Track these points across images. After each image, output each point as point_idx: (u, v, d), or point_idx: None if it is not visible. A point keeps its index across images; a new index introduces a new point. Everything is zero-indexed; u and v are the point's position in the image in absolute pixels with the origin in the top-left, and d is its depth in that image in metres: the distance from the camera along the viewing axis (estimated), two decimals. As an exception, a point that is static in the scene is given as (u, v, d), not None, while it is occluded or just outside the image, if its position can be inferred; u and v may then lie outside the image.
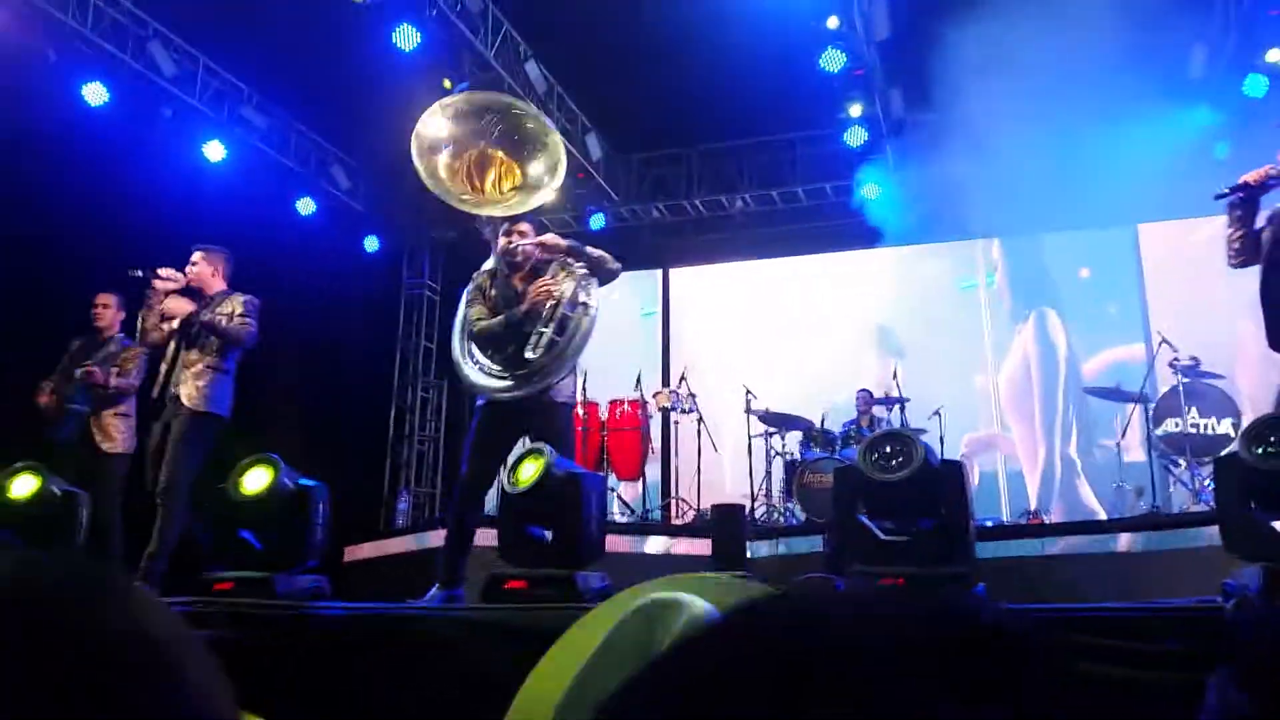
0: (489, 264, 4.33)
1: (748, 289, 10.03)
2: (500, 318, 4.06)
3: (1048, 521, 7.26)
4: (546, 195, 4.34)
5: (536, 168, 4.30)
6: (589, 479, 3.87)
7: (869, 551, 3.66)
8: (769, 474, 8.02)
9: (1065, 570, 6.00)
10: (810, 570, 4.54)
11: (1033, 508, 7.94)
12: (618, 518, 7.57)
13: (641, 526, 7.26)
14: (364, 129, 9.41)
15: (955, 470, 3.62)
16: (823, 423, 8.04)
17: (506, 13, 8.23)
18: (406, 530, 8.04)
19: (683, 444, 8.57)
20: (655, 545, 6.12)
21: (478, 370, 4.12)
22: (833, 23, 7.17)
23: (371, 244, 10.44)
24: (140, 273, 4.97)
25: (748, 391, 8.15)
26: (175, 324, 5.01)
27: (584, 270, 4.07)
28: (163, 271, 5.00)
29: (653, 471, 8.85)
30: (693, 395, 8.16)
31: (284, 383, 9.38)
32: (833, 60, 7.57)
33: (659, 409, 8.32)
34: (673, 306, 10.26)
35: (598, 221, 9.78)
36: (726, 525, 3.73)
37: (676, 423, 8.61)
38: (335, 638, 3.14)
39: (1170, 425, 6.53)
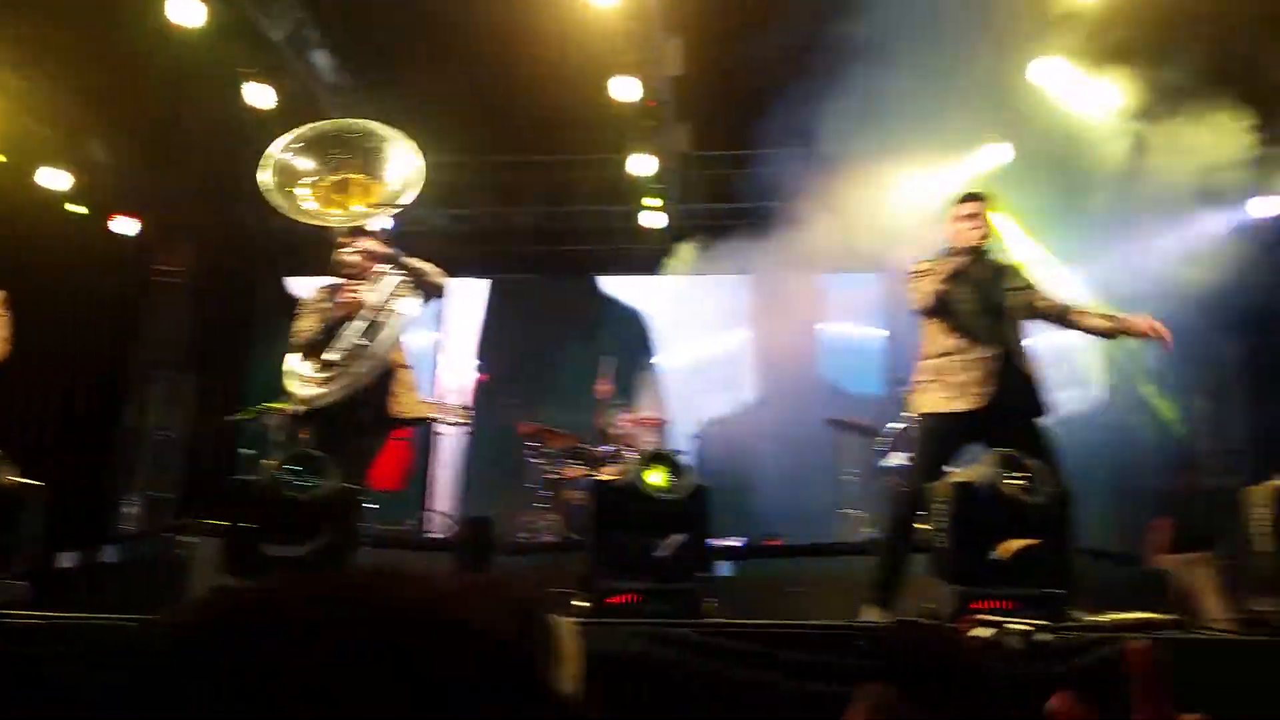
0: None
1: (528, 302, 10.08)
2: (320, 325, 4.22)
3: (786, 543, 7.67)
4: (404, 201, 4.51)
5: (394, 182, 4.41)
6: (345, 491, 3.79)
7: (621, 567, 3.77)
8: (532, 488, 8.05)
9: (799, 589, 6.38)
10: (559, 586, 4.61)
11: (773, 529, 8.38)
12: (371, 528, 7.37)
13: (394, 538, 7.08)
14: (131, 102, 8.75)
15: (702, 493, 3.79)
16: (584, 440, 8.18)
17: (301, -1, 7.91)
18: (135, 536, 7.43)
19: (447, 455, 8.46)
20: (405, 558, 5.98)
21: (297, 381, 4.21)
22: (625, 51, 7.37)
23: (122, 225, 9.64)
24: None
25: (518, 405, 8.17)
26: None
27: (401, 278, 4.26)
28: None
29: (414, 482, 8.69)
30: (465, 407, 8.08)
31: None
32: (625, 89, 7.77)
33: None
34: (450, 317, 10.14)
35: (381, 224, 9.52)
36: (473, 540, 3.73)
37: (439, 434, 8.48)
38: (32, 648, 2.88)
39: (899, 458, 7.10)
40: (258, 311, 10.42)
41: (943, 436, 4.09)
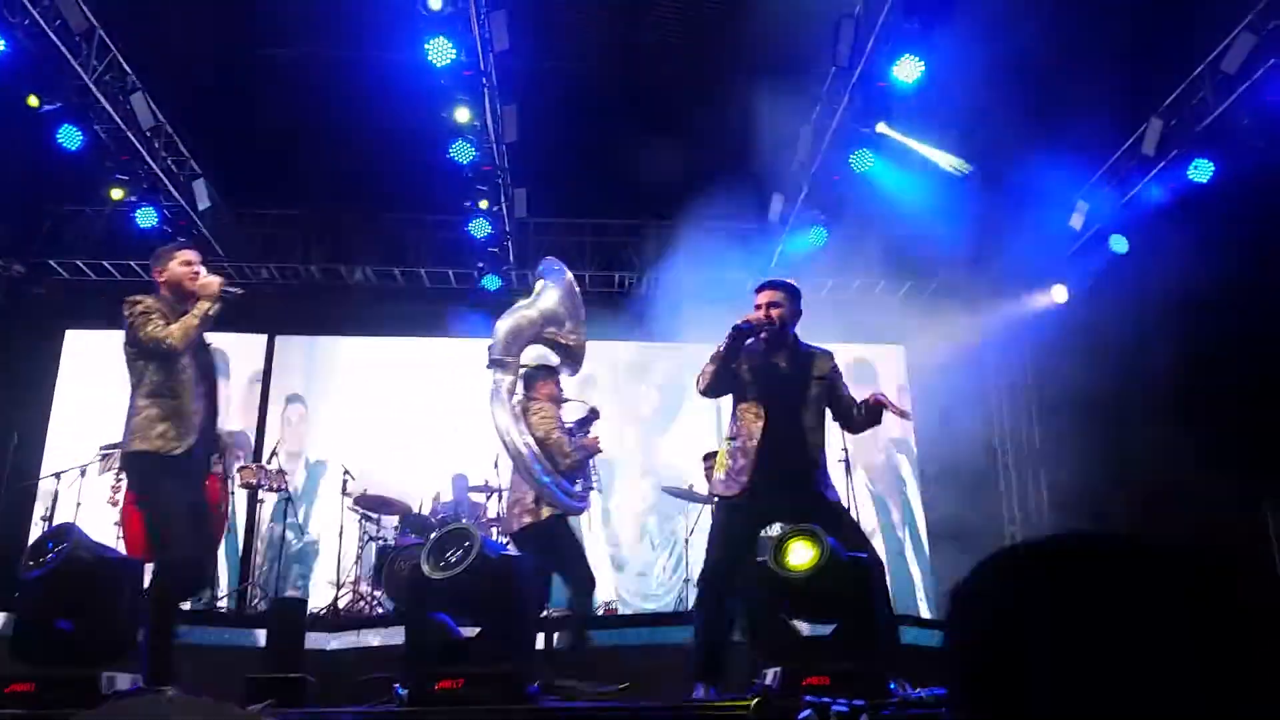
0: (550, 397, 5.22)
1: (360, 365, 9.71)
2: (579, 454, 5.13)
3: (622, 613, 7.62)
4: None
5: None
6: (126, 563, 3.48)
7: (440, 649, 3.60)
8: (360, 559, 7.70)
9: (636, 661, 6.29)
10: (384, 668, 4.37)
11: (609, 599, 8.32)
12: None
13: (204, 615, 6.58)
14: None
15: (517, 566, 3.67)
16: (420, 508, 7.92)
17: (117, 40, 7.50)
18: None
19: (266, 525, 7.98)
20: (214, 637, 5.54)
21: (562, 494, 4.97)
22: (462, 116, 7.32)
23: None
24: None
25: (345, 472, 7.82)
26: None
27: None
28: None
29: (230, 554, 8.15)
30: (282, 472, 7.65)
31: None
32: (462, 152, 7.72)
33: (243, 485, 7.69)
34: (275, 376, 9.63)
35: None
36: (284, 622, 3.49)
37: (260, 501, 8.01)
38: None
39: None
40: (57, 364, 9.67)
41: (732, 518, 4.05)
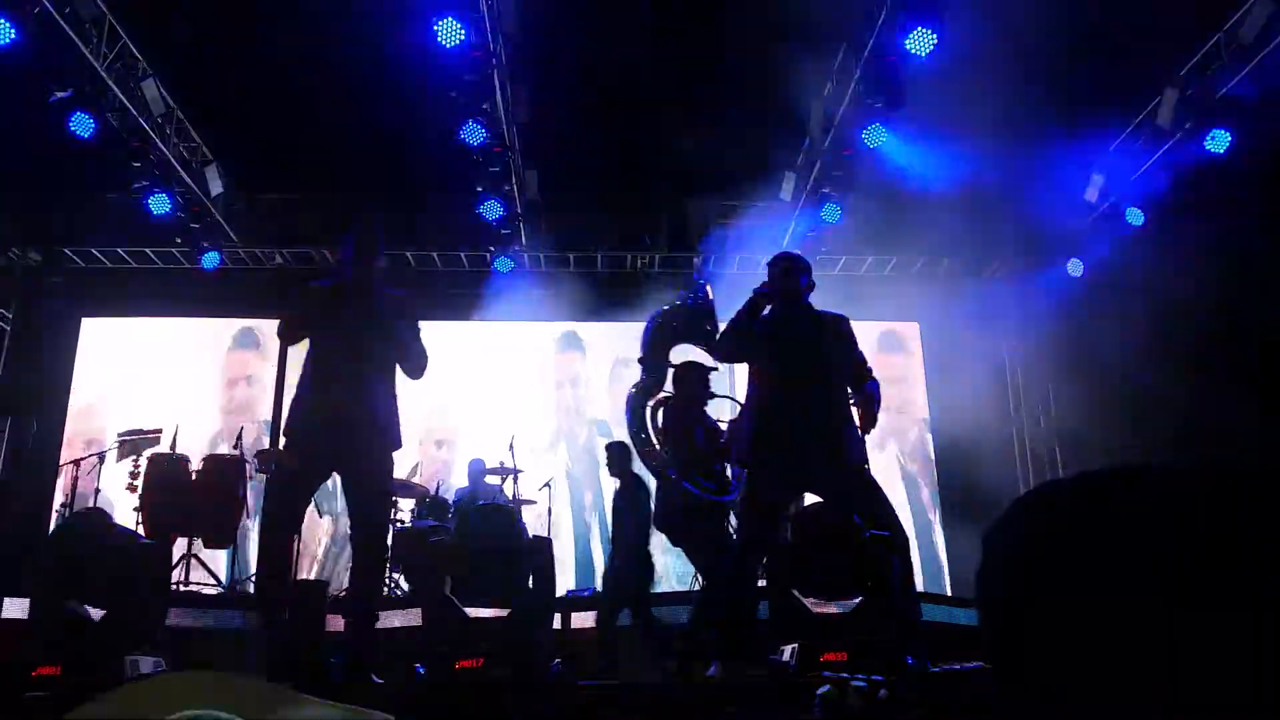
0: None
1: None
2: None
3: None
4: None
5: None
6: (151, 548, 3.52)
7: (457, 630, 3.62)
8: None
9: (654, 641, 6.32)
10: (404, 649, 4.40)
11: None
12: (202, 589, 6.90)
13: (226, 599, 6.64)
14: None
15: (542, 546, 3.69)
16: (438, 490, 7.95)
17: (127, 26, 7.50)
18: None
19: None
20: (236, 621, 5.59)
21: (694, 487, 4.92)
22: (472, 97, 7.30)
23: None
24: None
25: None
26: None
27: None
28: None
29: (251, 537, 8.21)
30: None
31: None
32: (473, 133, 7.69)
33: (261, 470, 7.73)
34: (290, 360, 9.68)
35: (210, 260, 9.06)
36: (304, 604, 3.53)
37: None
38: None
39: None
40: (74, 351, 9.74)
41: (765, 485, 4.04)
